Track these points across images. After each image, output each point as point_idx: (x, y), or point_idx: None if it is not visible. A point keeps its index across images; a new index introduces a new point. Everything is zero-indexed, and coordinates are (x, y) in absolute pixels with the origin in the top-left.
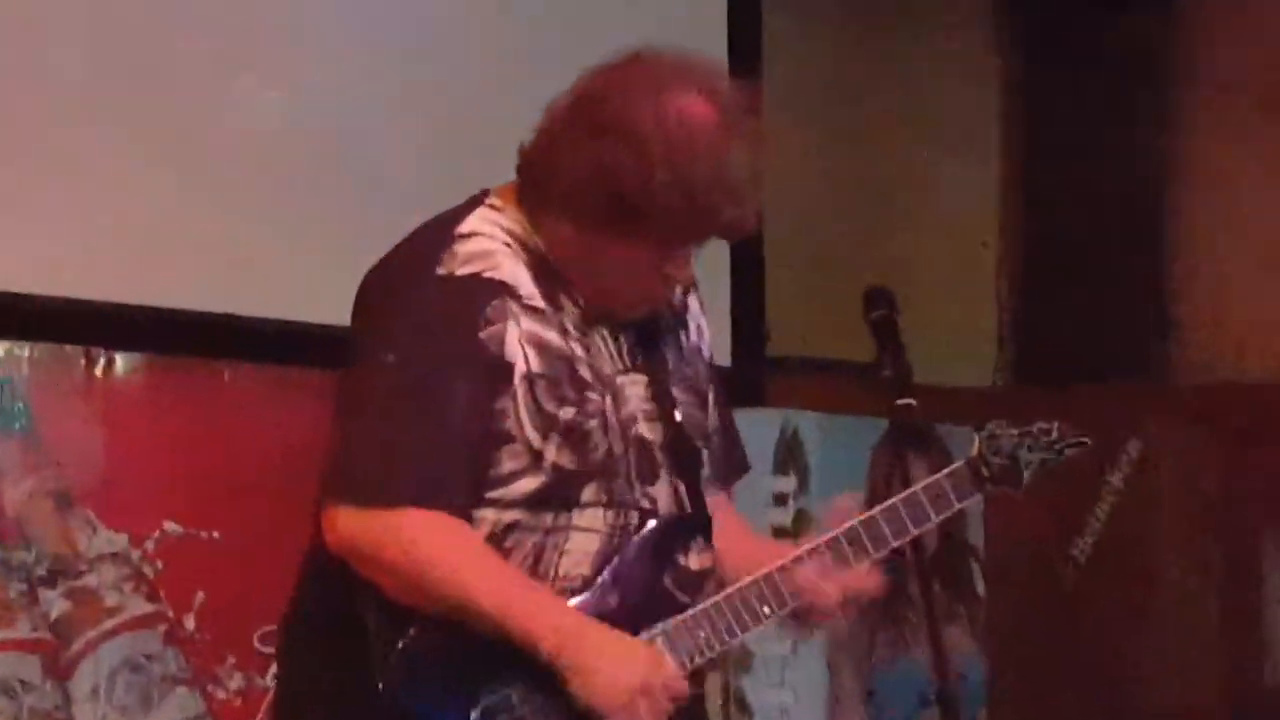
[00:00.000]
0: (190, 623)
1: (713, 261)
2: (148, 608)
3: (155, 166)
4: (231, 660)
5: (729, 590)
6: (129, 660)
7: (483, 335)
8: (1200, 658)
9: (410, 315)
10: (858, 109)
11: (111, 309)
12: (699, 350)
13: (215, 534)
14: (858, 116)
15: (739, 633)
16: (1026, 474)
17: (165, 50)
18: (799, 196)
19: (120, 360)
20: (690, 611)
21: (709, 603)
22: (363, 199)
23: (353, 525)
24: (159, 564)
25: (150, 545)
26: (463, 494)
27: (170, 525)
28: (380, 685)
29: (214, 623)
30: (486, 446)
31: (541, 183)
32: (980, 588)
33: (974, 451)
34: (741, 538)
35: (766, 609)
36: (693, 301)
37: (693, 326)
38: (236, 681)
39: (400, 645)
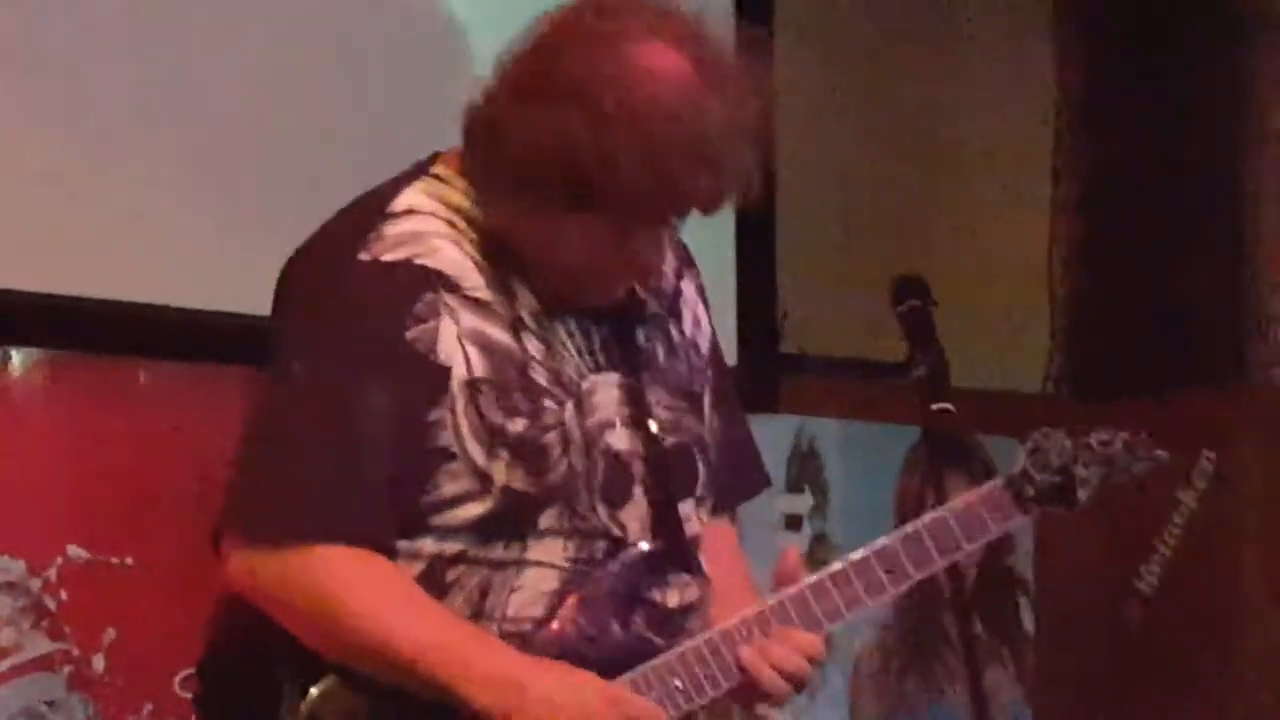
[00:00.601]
0: (99, 664)
1: (716, 242)
2: (49, 646)
3: (59, 135)
4: (148, 708)
5: (712, 631)
6: (28, 708)
7: (410, 334)
8: None
9: (325, 310)
10: (888, 70)
11: (8, 298)
12: (694, 345)
13: (128, 560)
14: (888, 79)
15: (724, 683)
16: (1082, 493)
17: (68, 19)
18: (819, 170)
19: (16, 357)
20: (664, 657)
21: (687, 645)
22: (298, 176)
23: (253, 563)
24: (62, 595)
25: (52, 574)
26: (383, 524)
27: (75, 550)
28: None
29: (127, 664)
30: (420, 467)
31: (489, 152)
32: (1028, 625)
33: (1016, 466)
34: (732, 590)
35: None
36: (688, 287)
37: (687, 316)
38: None
39: (313, 695)
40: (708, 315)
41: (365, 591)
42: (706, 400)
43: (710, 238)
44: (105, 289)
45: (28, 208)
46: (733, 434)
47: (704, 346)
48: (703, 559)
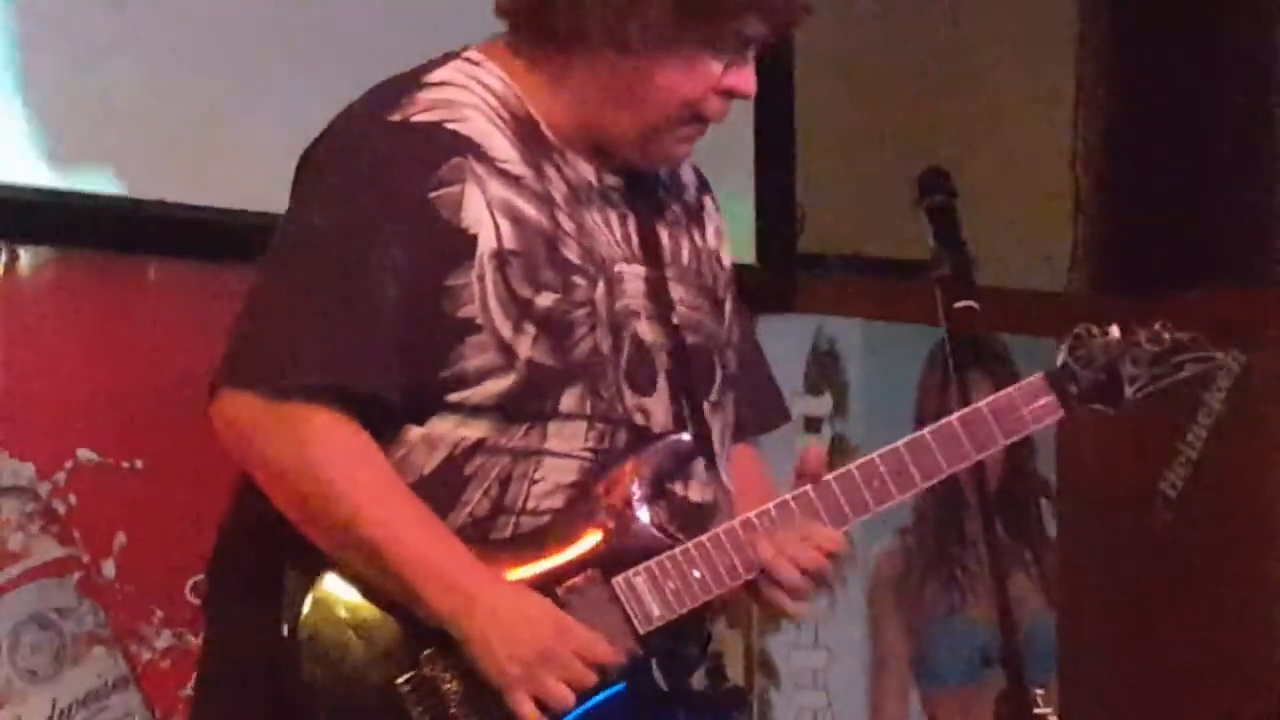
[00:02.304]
0: (109, 569)
1: (734, 138)
2: (59, 552)
3: (66, 25)
4: (159, 615)
5: (734, 522)
6: (37, 614)
7: (434, 195)
8: None
9: (348, 165)
10: None
11: (16, 195)
12: (717, 255)
13: (138, 463)
14: None
15: (743, 573)
16: (1130, 390)
17: None
18: (840, 64)
19: (25, 256)
20: (683, 546)
21: (708, 535)
22: (317, 65)
23: (243, 414)
24: (72, 499)
25: (61, 477)
26: (382, 377)
27: (85, 453)
28: (287, 630)
29: (138, 570)
30: (441, 335)
31: (551, 22)
32: (1051, 530)
33: (1058, 362)
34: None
35: None
36: (709, 203)
37: (710, 228)
38: (164, 639)
39: (315, 588)
40: (725, 229)
41: (346, 465)
42: (728, 308)
43: (729, 136)
44: (113, 186)
45: (33, 104)
46: (754, 359)
47: (725, 260)
48: (726, 477)
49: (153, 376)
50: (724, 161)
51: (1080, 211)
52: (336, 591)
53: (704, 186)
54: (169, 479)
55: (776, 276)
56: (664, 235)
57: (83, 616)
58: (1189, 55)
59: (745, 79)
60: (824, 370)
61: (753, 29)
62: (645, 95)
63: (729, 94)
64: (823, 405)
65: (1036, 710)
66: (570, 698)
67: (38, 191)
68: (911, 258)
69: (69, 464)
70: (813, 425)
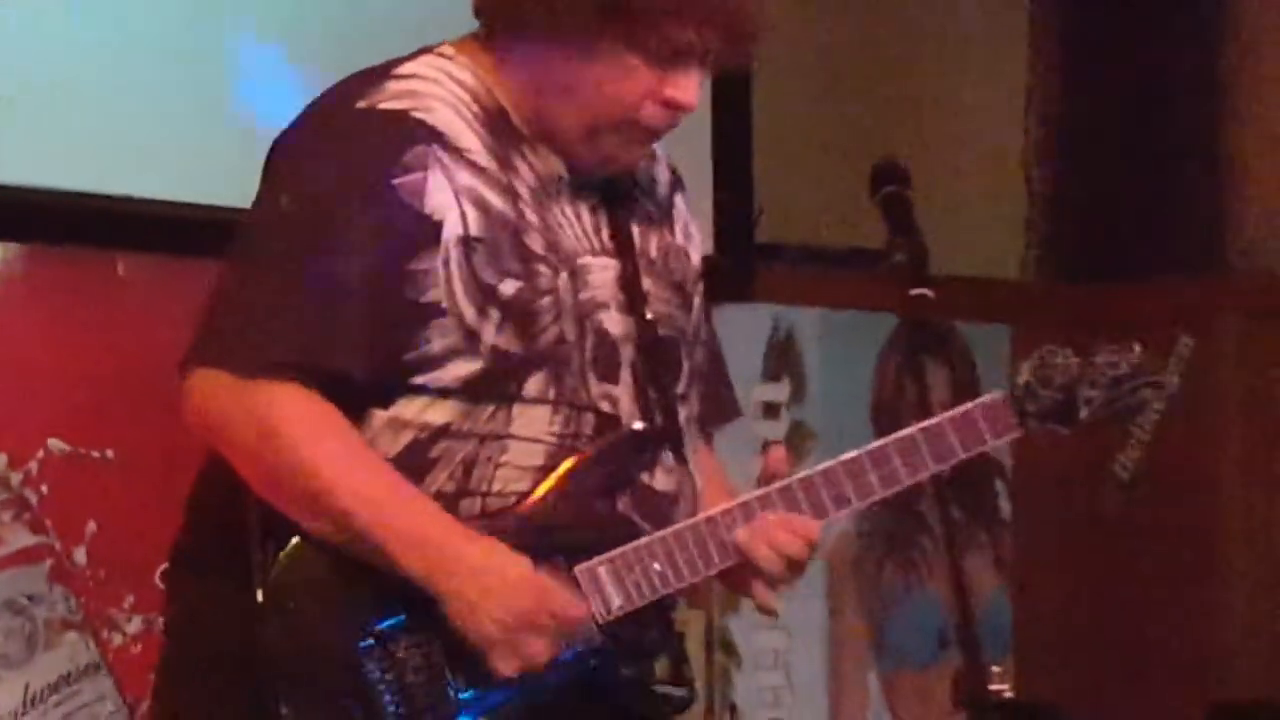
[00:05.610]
0: (80, 557)
1: (693, 130)
2: (30, 540)
3: (34, 28)
4: (129, 600)
5: (696, 518)
6: (9, 601)
7: (397, 180)
8: (1269, 592)
9: (313, 149)
10: None
11: None
12: (685, 252)
13: (109, 453)
14: None
15: (703, 569)
16: (1084, 411)
17: None
18: (798, 56)
19: None
20: (646, 539)
21: (671, 530)
22: (290, 59)
23: (208, 394)
24: (43, 489)
25: (33, 467)
26: (352, 364)
27: (56, 444)
28: (259, 597)
29: (108, 557)
30: (406, 319)
31: (495, 10)
32: (1006, 511)
33: (1020, 380)
34: (717, 501)
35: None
36: (680, 202)
37: (679, 226)
38: (135, 625)
39: (284, 554)
40: (695, 229)
41: (311, 437)
42: (696, 304)
43: (687, 125)
44: (82, 181)
45: (5, 99)
46: (714, 356)
47: (695, 259)
48: (693, 467)
49: (122, 369)
50: (682, 151)
51: (1034, 201)
52: (303, 559)
53: (677, 185)
54: (138, 468)
55: (735, 266)
56: (635, 229)
57: (54, 603)
58: (1140, 48)
59: (683, 89)
60: (782, 357)
61: (684, 37)
62: (579, 92)
63: (669, 105)
64: (780, 392)
65: (992, 687)
66: (546, 655)
67: (5, 188)
68: (868, 247)
69: (40, 454)
70: (771, 411)
